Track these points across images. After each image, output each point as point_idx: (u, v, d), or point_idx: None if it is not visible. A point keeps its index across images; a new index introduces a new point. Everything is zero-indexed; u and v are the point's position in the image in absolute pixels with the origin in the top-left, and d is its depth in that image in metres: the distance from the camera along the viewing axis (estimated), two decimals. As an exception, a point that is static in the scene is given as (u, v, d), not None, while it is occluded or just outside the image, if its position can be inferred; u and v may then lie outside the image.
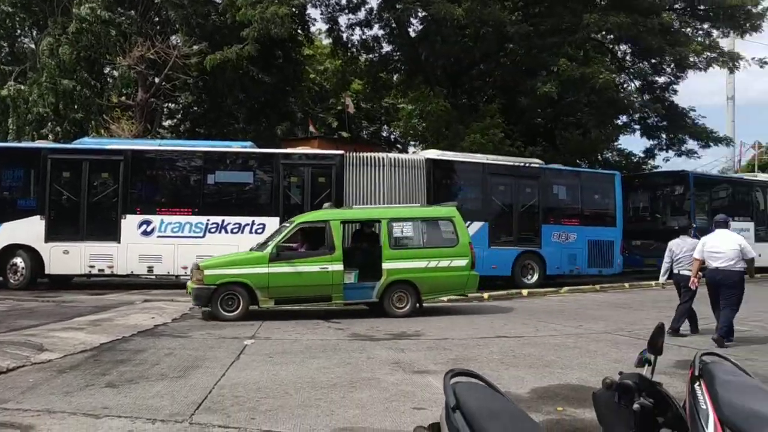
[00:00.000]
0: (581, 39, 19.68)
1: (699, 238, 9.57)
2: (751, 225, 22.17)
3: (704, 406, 2.56)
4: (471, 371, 2.75)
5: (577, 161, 22.64)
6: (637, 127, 24.38)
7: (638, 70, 24.81)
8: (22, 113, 21.50)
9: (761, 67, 24.18)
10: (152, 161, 15.74)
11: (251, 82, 23.82)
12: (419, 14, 19.94)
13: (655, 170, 25.33)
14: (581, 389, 6.24)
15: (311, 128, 25.29)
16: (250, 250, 11.81)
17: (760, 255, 21.80)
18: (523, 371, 7.08)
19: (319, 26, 63.59)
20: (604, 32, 19.65)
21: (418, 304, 11.54)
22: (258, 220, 14.88)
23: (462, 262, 11.70)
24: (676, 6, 23.24)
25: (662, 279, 10.43)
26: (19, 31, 25.73)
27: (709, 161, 40.49)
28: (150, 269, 14.78)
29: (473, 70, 23.29)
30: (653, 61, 24.19)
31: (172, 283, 15.07)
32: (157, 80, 23.44)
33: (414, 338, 9.22)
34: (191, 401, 5.66)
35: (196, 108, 28.73)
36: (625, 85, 24.63)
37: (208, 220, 14.84)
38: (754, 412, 2.30)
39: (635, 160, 26.04)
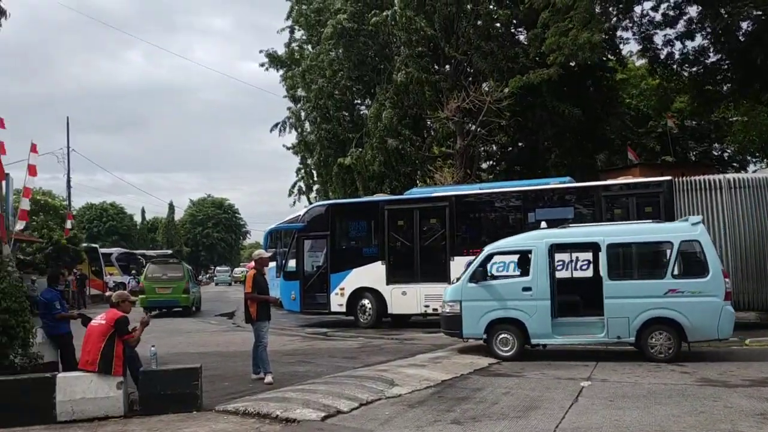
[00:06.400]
0: None
1: None
2: None
3: None
4: None
5: None
6: None
7: None
8: (363, 173, 25.18)
9: None
10: (474, 204, 16.43)
11: (560, 117, 23.72)
12: (752, 14, 17.28)
13: None
14: None
15: (631, 156, 23.86)
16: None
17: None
18: None
19: (629, 48, 60.62)
20: None
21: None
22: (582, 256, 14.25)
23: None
24: None
25: None
26: (357, 101, 30.18)
27: None
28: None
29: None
30: None
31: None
32: (473, 127, 24.80)
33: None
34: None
35: (510, 148, 29.63)
36: None
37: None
38: None
39: None
